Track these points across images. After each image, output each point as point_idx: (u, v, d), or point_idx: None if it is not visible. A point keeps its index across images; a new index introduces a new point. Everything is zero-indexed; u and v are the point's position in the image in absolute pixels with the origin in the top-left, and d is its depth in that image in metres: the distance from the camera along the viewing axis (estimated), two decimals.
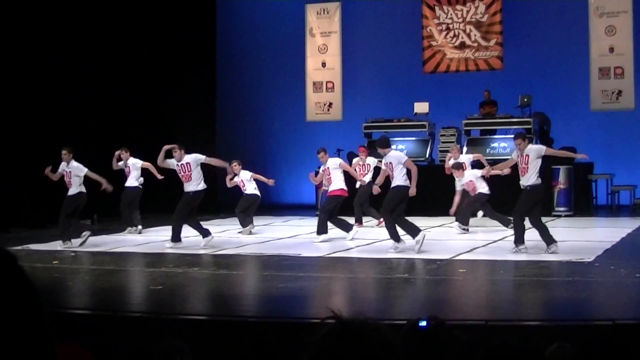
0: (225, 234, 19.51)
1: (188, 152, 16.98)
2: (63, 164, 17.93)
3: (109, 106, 23.71)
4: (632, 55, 24.62)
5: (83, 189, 17.66)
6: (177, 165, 16.87)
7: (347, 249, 15.93)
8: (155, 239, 18.42)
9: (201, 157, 16.97)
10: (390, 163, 15.70)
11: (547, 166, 22.10)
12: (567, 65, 25.27)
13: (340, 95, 27.65)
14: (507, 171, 17.01)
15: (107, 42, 23.67)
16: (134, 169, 20.05)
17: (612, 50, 24.80)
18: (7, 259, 2.00)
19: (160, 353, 4.80)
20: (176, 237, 16.65)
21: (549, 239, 14.69)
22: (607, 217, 22.18)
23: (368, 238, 17.73)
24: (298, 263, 14.34)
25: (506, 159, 22.95)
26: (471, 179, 18.78)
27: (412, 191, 15.58)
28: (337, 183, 17.93)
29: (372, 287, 11.98)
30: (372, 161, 20.48)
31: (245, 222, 19.61)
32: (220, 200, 25.50)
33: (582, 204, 22.47)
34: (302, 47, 27.90)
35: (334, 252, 15.44)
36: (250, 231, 19.41)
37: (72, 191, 17.62)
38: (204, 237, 16.62)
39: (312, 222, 20.10)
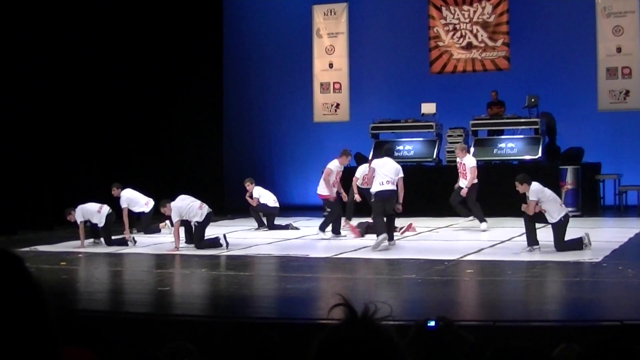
0: (233, 235, 19.51)
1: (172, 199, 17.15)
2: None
3: (114, 110, 23.71)
4: (639, 55, 24.57)
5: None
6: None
7: (355, 250, 15.92)
8: (163, 240, 18.42)
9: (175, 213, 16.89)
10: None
11: (555, 166, 22.11)
12: (574, 65, 25.23)
13: (348, 96, 27.64)
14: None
15: (113, 43, 23.67)
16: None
17: (620, 50, 24.76)
18: (13, 261, 2.00)
19: (168, 355, 4.80)
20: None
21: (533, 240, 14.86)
22: (615, 218, 22.12)
23: (374, 238, 17.70)
24: (306, 264, 14.34)
25: (513, 160, 23.08)
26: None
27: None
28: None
29: (379, 287, 11.98)
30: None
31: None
32: (228, 202, 25.53)
33: (590, 205, 22.42)
34: (309, 48, 27.90)
35: (342, 253, 15.44)
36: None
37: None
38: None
39: (319, 223, 20.12)
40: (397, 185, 16.56)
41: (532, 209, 14.75)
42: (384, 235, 15.89)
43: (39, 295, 2.00)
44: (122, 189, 19.28)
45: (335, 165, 18.75)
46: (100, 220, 17.62)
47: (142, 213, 19.61)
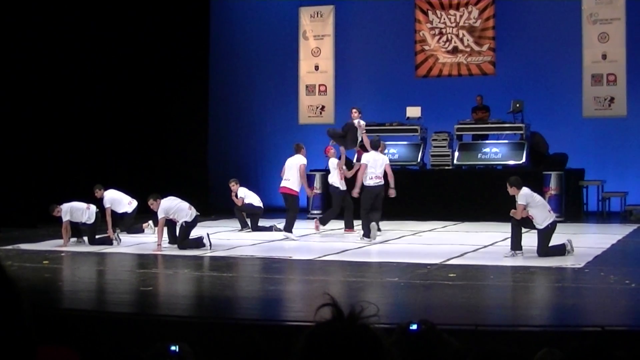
0: (216, 236, 19.50)
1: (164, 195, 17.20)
2: None
3: (100, 109, 23.66)
4: (624, 62, 24.66)
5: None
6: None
7: (339, 252, 15.93)
8: (146, 240, 18.40)
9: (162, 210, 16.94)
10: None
11: (539, 172, 22.17)
12: (559, 71, 25.31)
13: (333, 99, 27.64)
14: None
15: (99, 44, 23.60)
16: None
17: (605, 57, 24.84)
18: None
19: (151, 356, 4.79)
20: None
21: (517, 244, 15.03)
22: (598, 224, 22.18)
23: (358, 242, 17.73)
24: (289, 266, 14.35)
25: (497, 164, 23.13)
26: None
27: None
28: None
29: (362, 290, 11.98)
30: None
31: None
32: (212, 202, 25.49)
33: (573, 210, 22.49)
34: (296, 50, 27.90)
35: (325, 255, 15.44)
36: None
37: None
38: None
39: (302, 225, 20.14)
40: (385, 173, 16.85)
41: (520, 214, 14.81)
42: (373, 224, 16.80)
43: (14, 292, 1.99)
44: (105, 189, 19.23)
45: (305, 160, 18.88)
46: (90, 217, 17.58)
47: (125, 213, 19.58)
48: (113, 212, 18.78)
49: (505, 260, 14.60)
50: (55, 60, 22.25)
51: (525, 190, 14.99)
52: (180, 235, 16.68)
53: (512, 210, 14.96)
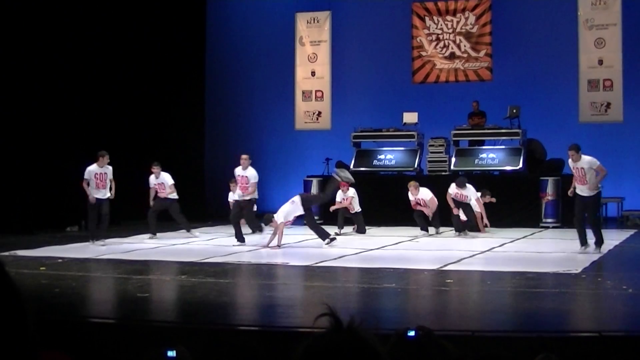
0: (212, 242, 19.50)
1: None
2: (152, 178, 20.27)
3: (99, 112, 23.62)
4: (621, 67, 24.70)
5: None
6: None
7: (335, 259, 15.92)
8: (143, 246, 18.39)
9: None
10: None
11: (535, 177, 22.18)
12: (556, 77, 25.35)
13: (330, 104, 27.67)
14: None
15: (95, 47, 23.56)
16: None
17: (601, 62, 24.89)
18: None
19: None
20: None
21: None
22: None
23: (355, 247, 17.73)
24: (286, 272, 14.33)
25: (494, 170, 23.14)
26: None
27: None
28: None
29: (359, 296, 11.97)
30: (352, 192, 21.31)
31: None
32: (208, 208, 25.50)
33: (570, 216, 22.35)
34: (292, 56, 27.93)
35: (322, 262, 15.43)
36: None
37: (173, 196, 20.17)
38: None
39: (300, 231, 20.15)
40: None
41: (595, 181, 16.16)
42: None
43: (19, 299, 1.99)
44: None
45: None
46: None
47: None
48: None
49: (502, 265, 14.59)
50: (49, 61, 22.15)
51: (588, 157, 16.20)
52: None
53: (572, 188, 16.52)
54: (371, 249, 17.55)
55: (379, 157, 24.37)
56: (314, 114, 27.81)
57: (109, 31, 23.97)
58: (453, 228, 20.23)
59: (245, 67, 28.23)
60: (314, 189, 22.95)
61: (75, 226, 22.08)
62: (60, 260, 15.90)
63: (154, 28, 25.54)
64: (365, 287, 12.73)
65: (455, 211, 20.13)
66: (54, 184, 21.80)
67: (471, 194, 20.21)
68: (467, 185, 20.26)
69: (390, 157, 24.31)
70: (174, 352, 3.93)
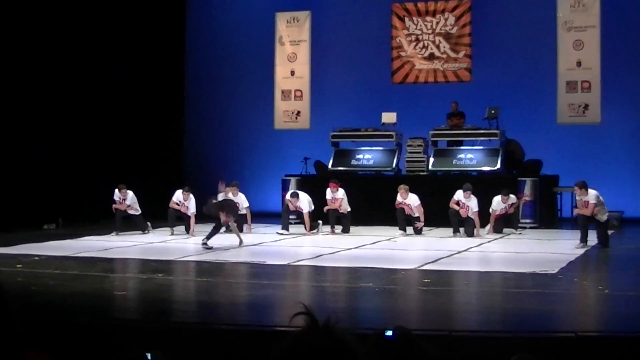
0: (190, 241, 19.48)
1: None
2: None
3: (78, 111, 23.52)
4: (599, 69, 24.81)
5: None
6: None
7: (313, 258, 15.92)
8: (120, 244, 18.36)
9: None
10: None
11: (514, 178, 22.25)
12: (535, 78, 25.43)
13: (309, 104, 27.67)
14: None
15: (72, 43, 23.46)
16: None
17: (580, 64, 24.99)
18: None
19: None
20: None
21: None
22: (572, 230, 22.18)
23: (333, 246, 17.75)
24: (264, 271, 14.32)
25: (472, 171, 23.20)
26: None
27: None
28: None
29: (336, 295, 11.98)
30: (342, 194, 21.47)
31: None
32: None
33: (547, 217, 22.60)
34: (272, 55, 27.91)
35: (300, 260, 15.43)
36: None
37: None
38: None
39: (277, 230, 20.17)
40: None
41: (591, 211, 17.59)
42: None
43: (2, 297, 1.99)
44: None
45: None
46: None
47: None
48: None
49: (478, 265, 14.63)
50: (24, 58, 22.05)
51: (593, 191, 17.75)
52: None
53: (577, 209, 17.91)
54: (349, 248, 17.56)
55: (358, 156, 24.40)
56: (293, 113, 27.80)
57: (88, 30, 23.88)
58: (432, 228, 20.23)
59: (224, 67, 28.18)
60: (292, 188, 22.91)
61: (53, 224, 22.01)
62: (37, 258, 15.83)
63: (134, 27, 25.45)
64: (342, 287, 12.74)
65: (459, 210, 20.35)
66: (32, 181, 21.71)
67: (473, 206, 20.16)
68: (472, 196, 20.27)
69: (368, 157, 24.33)
70: (149, 354, 3.93)
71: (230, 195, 20.13)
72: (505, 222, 20.64)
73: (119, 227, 20.66)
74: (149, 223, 21.22)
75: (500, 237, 19.61)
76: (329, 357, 2.06)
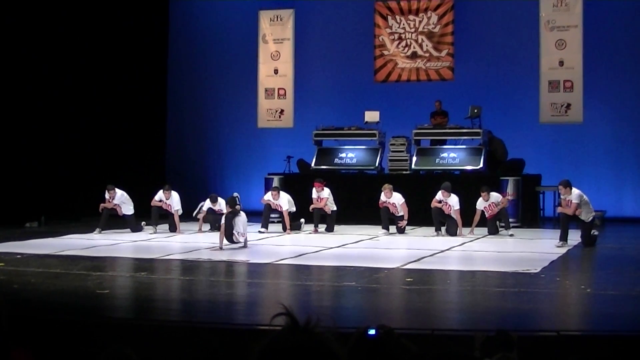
0: (173, 239, 19.45)
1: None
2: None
3: (60, 110, 23.45)
4: (581, 69, 24.87)
5: None
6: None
7: (295, 256, 15.92)
8: (103, 242, 18.31)
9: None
10: None
11: (496, 177, 22.28)
12: (517, 77, 25.49)
13: (292, 103, 27.64)
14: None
15: (55, 40, 23.39)
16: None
17: (562, 63, 25.04)
18: None
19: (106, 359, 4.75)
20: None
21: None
22: (554, 229, 22.23)
23: (315, 245, 17.74)
24: (246, 270, 14.30)
25: (455, 169, 23.22)
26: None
27: None
28: None
29: (319, 294, 11.98)
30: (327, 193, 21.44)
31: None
32: None
33: (530, 216, 22.62)
34: (255, 54, 27.87)
35: (282, 259, 15.42)
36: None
37: None
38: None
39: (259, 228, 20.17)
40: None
41: (573, 210, 17.72)
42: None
43: None
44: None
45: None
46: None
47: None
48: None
49: (460, 264, 14.65)
50: (7, 56, 21.99)
51: (576, 190, 17.85)
52: None
53: (560, 208, 18.10)
54: (331, 247, 17.56)
55: (340, 155, 24.38)
56: (276, 111, 27.77)
57: (70, 28, 23.81)
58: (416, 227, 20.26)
59: (207, 64, 28.14)
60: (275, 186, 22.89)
61: (35, 222, 21.93)
62: (19, 256, 15.78)
63: (116, 25, 25.39)
64: (325, 285, 12.74)
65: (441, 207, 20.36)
66: (14, 179, 21.64)
67: (454, 204, 20.17)
68: (452, 194, 20.28)
69: (351, 155, 24.32)
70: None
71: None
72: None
73: (103, 225, 20.53)
74: (143, 223, 21.16)
75: (483, 236, 19.63)
76: (308, 358, 2.05)
